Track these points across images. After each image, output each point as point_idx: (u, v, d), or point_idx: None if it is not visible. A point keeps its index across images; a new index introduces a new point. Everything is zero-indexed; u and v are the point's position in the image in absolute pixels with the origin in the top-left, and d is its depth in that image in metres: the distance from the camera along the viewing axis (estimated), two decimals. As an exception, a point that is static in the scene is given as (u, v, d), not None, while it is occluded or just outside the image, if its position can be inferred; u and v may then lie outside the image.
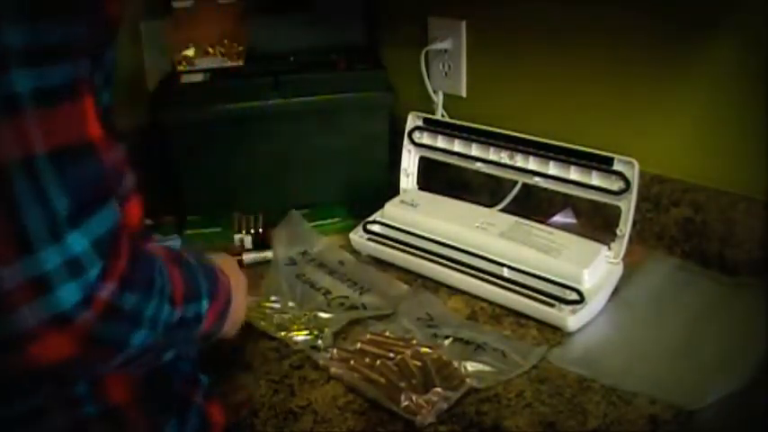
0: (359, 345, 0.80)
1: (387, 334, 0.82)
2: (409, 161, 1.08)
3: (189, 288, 0.57)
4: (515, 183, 1.07)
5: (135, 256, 0.49)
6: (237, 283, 0.72)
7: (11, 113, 0.44)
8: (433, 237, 0.96)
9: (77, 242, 0.45)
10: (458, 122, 1.03)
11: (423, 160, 1.08)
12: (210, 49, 1.18)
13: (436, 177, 1.12)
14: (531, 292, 0.85)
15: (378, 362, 0.76)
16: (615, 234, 0.88)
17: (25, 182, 0.44)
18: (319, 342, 0.82)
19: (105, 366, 0.51)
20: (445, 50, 1.17)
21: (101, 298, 0.46)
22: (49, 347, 0.45)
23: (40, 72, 0.45)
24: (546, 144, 0.92)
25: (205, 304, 0.60)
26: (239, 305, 0.71)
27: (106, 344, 0.49)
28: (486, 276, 0.89)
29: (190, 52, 1.17)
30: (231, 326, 0.70)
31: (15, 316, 0.44)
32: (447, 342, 0.80)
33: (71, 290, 0.45)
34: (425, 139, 1.04)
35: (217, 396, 0.70)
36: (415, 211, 1.00)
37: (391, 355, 0.78)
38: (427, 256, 0.95)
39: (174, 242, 1.01)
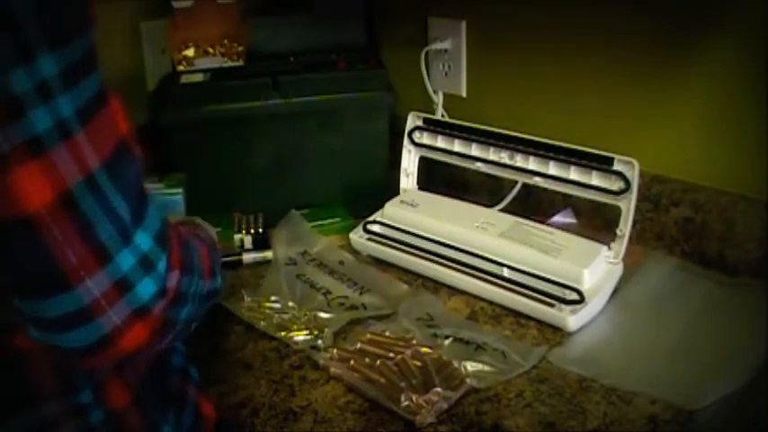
0: (359, 345, 0.80)
1: (387, 334, 0.82)
2: (409, 161, 1.07)
3: (212, 264, 0.62)
4: (515, 183, 1.07)
5: (181, 242, 0.54)
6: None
7: (64, 139, 0.45)
8: (433, 237, 0.96)
9: (143, 240, 0.49)
10: (458, 122, 1.02)
11: (423, 160, 1.08)
12: (210, 49, 1.18)
13: (436, 177, 1.12)
14: (531, 292, 0.85)
15: (378, 362, 0.76)
16: (615, 234, 0.88)
17: (92, 198, 0.46)
18: (319, 342, 0.82)
19: (161, 345, 0.54)
20: (445, 50, 1.17)
21: (171, 286, 0.51)
22: (131, 339, 0.49)
23: (76, 91, 0.46)
24: (546, 144, 0.92)
25: (219, 279, 0.65)
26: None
27: (168, 324, 0.52)
28: (486, 276, 0.89)
29: (190, 52, 1.17)
30: None
31: (103, 319, 0.47)
32: (447, 342, 0.80)
33: (147, 284, 0.49)
34: (425, 139, 1.04)
35: (207, 390, 0.71)
36: (415, 211, 1.00)
37: (391, 355, 0.78)
38: (427, 256, 0.95)
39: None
